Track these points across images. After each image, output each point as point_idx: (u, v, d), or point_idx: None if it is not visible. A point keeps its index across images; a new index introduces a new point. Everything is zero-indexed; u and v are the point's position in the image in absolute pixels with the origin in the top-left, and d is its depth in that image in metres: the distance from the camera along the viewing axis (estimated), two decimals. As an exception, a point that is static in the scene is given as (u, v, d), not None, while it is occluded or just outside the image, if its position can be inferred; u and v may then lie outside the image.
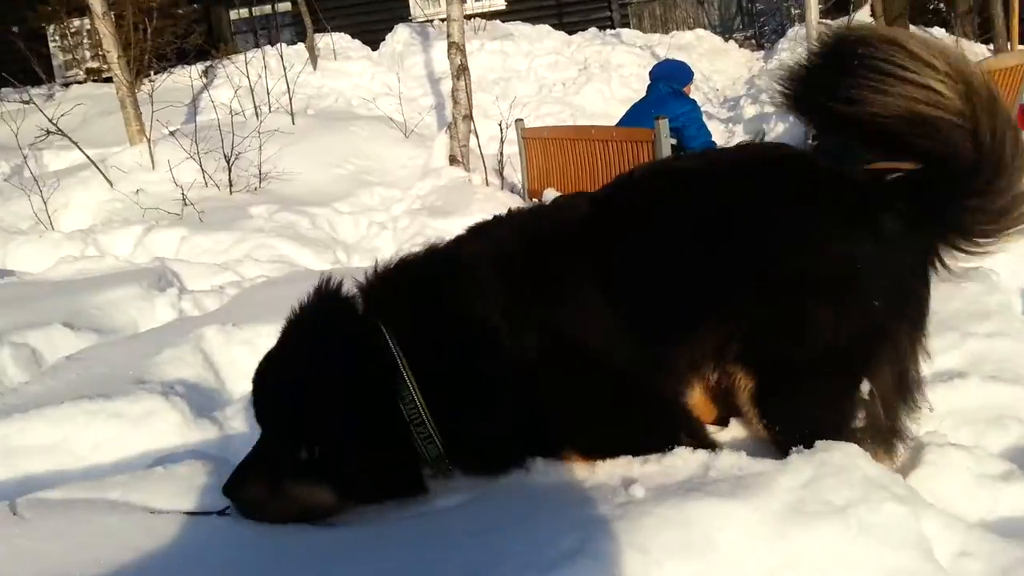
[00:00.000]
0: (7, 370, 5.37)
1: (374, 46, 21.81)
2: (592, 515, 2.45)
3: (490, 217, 3.19)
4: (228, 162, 12.07)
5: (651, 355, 2.88)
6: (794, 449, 2.72)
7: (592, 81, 19.17)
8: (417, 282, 2.95)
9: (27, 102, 15.25)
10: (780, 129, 14.58)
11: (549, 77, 19.95)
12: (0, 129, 17.74)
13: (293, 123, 14.65)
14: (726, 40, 24.98)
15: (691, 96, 10.53)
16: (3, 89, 18.81)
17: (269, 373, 2.87)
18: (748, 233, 2.84)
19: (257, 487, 2.76)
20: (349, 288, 2.94)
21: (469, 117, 12.58)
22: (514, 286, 2.84)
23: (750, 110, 17.25)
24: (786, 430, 2.86)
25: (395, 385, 2.76)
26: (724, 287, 2.85)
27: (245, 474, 2.81)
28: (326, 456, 2.72)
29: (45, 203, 11.95)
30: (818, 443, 2.68)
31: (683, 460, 2.81)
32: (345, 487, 2.78)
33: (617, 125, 10.68)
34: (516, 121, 11.88)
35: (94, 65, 23.86)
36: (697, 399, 3.25)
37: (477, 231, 3.10)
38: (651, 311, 2.87)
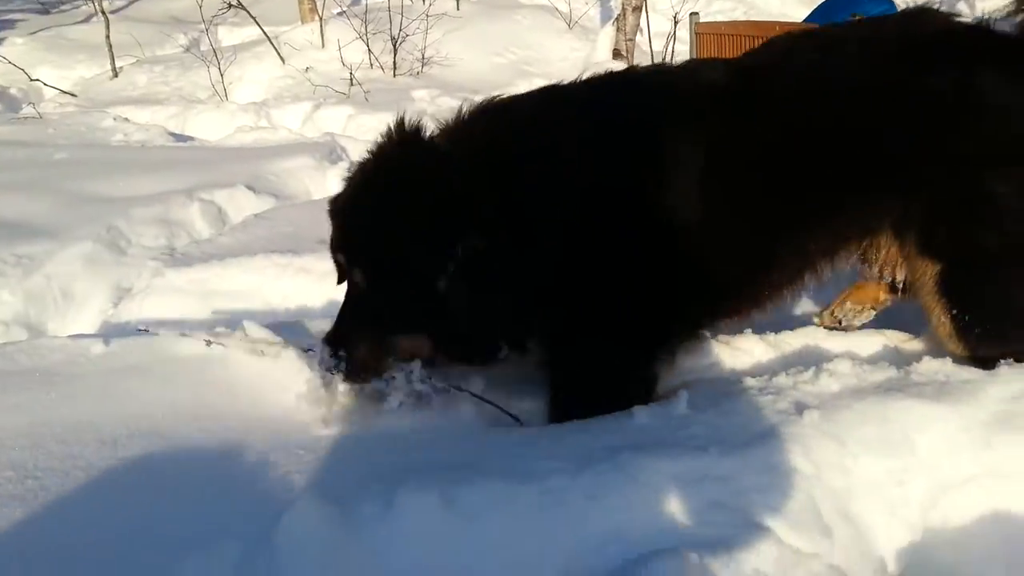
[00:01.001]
0: (195, 223, 5.76)
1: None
2: (787, 402, 2.39)
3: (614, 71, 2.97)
4: (394, 44, 12.17)
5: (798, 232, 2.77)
6: (1003, 361, 2.57)
7: (772, -22, 17.91)
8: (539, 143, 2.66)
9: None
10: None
11: (722, -28, 18.80)
12: (179, 4, 18.80)
13: (458, 8, 14.54)
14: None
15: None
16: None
17: (380, 213, 2.57)
18: (926, 104, 2.63)
19: (362, 345, 2.58)
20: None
21: (640, 8, 12.09)
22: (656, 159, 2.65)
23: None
24: (978, 318, 2.69)
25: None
26: (892, 163, 2.67)
27: (348, 331, 2.62)
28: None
29: (222, 75, 12.49)
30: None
31: (877, 361, 2.71)
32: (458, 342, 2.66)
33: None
34: (691, 15, 11.27)
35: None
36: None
37: (600, 89, 2.82)
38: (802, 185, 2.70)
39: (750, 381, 2.59)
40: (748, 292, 2.84)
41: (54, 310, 4.49)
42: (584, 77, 2.88)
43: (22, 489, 2.17)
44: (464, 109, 2.74)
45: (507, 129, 2.67)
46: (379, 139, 2.69)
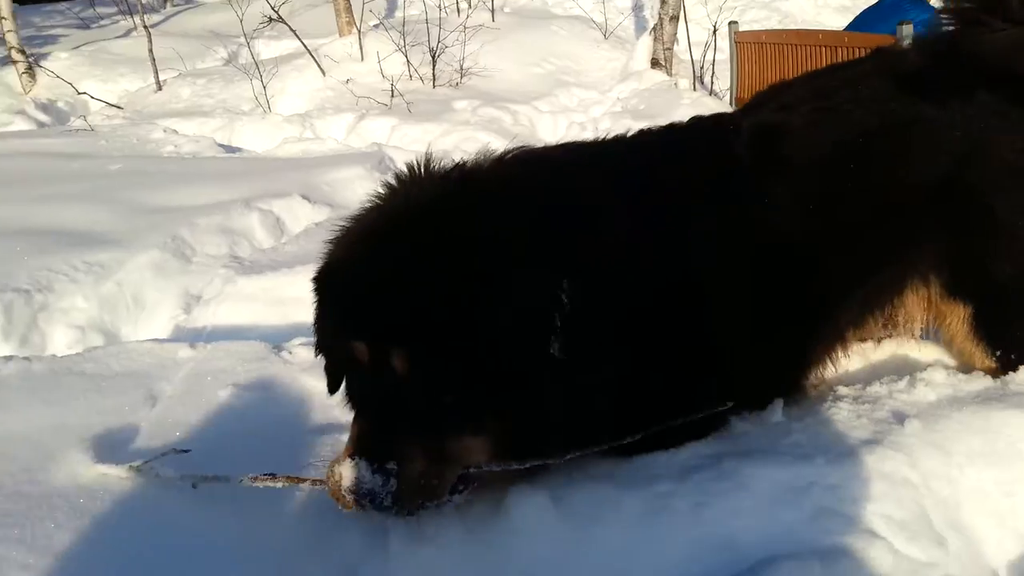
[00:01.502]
0: (255, 232, 5.84)
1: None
2: (884, 411, 2.38)
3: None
4: (433, 56, 12.28)
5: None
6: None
7: (804, -12, 17.86)
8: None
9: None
10: None
11: (757, -18, 18.78)
12: (215, 18, 19.09)
13: (493, 19, 14.64)
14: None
15: (931, 3, 9.59)
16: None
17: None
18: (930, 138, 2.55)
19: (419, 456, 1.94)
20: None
21: (677, 18, 12.11)
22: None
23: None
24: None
25: None
26: (910, 206, 2.54)
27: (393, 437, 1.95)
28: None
29: (264, 88, 12.66)
30: None
31: (969, 371, 2.69)
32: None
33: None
34: (730, 24, 11.27)
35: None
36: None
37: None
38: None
39: (843, 390, 2.59)
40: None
41: (126, 316, 4.58)
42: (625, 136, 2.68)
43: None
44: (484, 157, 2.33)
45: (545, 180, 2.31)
46: (396, 184, 2.23)
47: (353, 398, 2.16)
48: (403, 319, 1.94)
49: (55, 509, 2.11)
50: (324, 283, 2.19)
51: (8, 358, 3.22)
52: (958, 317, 2.64)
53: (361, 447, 1.93)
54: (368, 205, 2.24)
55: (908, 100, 2.62)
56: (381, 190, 2.25)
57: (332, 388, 2.29)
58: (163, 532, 2.04)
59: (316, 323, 2.27)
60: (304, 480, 2.09)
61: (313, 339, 2.32)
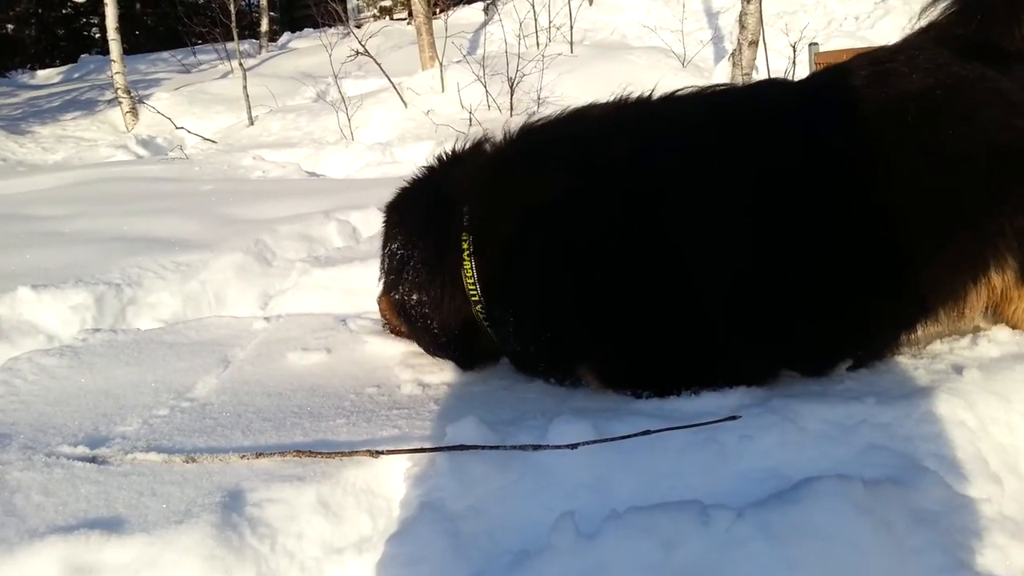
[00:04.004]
0: (332, 239, 6.05)
1: (651, -19, 21.42)
2: (944, 364, 2.33)
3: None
4: (511, 86, 12.53)
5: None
6: None
7: (890, 15, 17.53)
8: None
9: (341, 31, 16.73)
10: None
11: (840, 11, 18.52)
12: (306, 60, 19.97)
13: (572, 51, 14.88)
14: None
15: None
16: (305, 29, 20.88)
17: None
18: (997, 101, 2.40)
19: None
20: None
21: (756, 43, 12.05)
22: None
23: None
24: None
25: None
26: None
27: None
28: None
29: (349, 120, 13.14)
30: None
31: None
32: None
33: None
34: (810, 46, 11.16)
35: (386, 4, 25.72)
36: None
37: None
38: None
39: (903, 348, 2.53)
40: None
41: (208, 312, 4.79)
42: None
43: (202, 425, 2.34)
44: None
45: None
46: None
47: None
48: None
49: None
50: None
51: (96, 330, 3.45)
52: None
53: None
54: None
55: (969, 64, 2.57)
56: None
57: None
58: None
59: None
60: None
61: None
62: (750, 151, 2.39)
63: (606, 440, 1.91)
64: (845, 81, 2.59)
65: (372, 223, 6.44)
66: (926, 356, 2.42)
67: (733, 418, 1.97)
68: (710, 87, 2.68)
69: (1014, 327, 2.57)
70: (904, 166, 2.37)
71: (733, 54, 12.67)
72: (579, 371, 2.46)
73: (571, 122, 2.74)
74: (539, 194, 2.47)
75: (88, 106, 18.45)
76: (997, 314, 2.57)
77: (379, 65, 13.65)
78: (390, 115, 13.37)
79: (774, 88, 2.90)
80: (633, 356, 2.37)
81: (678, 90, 2.66)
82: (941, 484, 1.85)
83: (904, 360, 2.40)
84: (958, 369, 2.26)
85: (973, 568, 1.70)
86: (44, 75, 24.13)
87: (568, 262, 2.37)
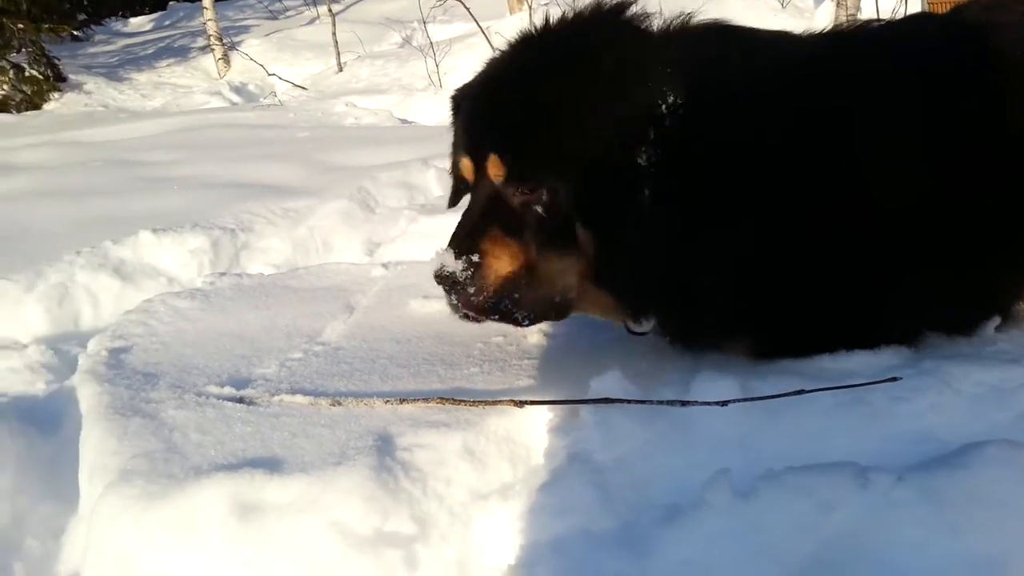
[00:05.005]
0: (432, 187, 6.11)
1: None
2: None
3: None
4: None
5: None
6: None
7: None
8: None
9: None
10: None
11: (948, -53, 17.54)
12: (391, 5, 19.96)
13: (664, -6, 14.47)
14: None
15: None
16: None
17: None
18: None
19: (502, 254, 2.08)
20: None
21: (861, -16, 11.45)
22: None
23: None
24: None
25: None
26: None
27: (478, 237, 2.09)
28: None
29: (437, 66, 13.11)
30: None
31: None
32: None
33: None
34: (921, -13, 10.57)
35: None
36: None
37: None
38: None
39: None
40: None
41: (316, 258, 4.91)
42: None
43: (338, 369, 2.41)
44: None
45: None
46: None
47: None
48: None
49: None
50: (456, 102, 2.53)
51: (222, 273, 3.56)
52: None
53: (451, 241, 2.14)
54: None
55: None
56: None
57: (451, 202, 2.62)
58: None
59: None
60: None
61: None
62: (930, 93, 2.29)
63: (757, 399, 1.89)
64: (998, 19, 2.45)
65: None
66: (1085, 319, 2.31)
67: (893, 379, 1.92)
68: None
69: None
70: None
71: (837, -5, 12.06)
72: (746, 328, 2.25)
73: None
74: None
75: (181, 53, 18.90)
76: None
77: (467, 8, 13.51)
78: (478, 60, 13.17)
79: (931, 23, 2.73)
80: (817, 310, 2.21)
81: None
82: (1111, 454, 1.77)
83: (1061, 322, 2.30)
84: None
85: None
86: (136, 23, 24.77)
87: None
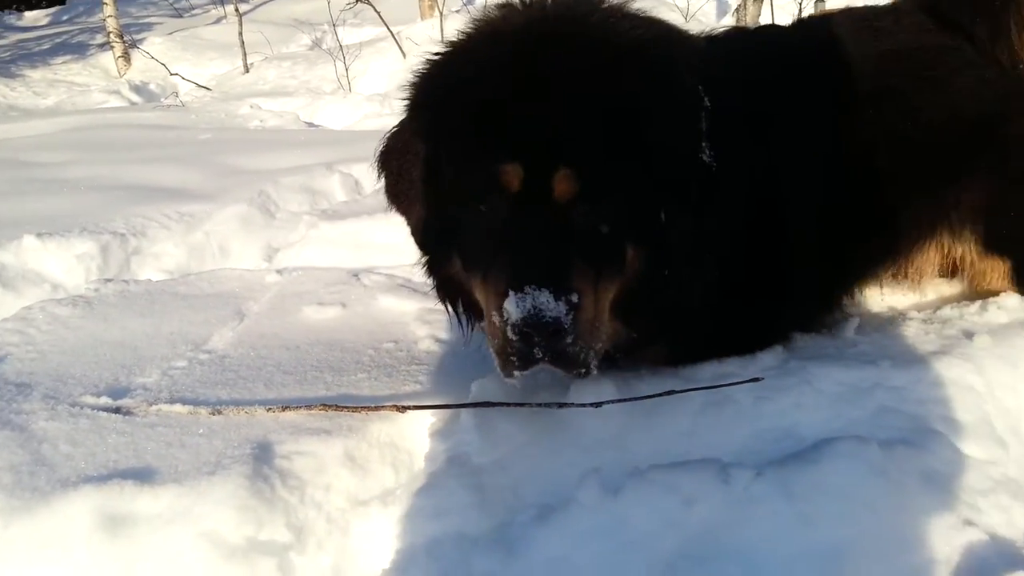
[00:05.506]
0: (335, 192, 6.04)
1: (654, -69, 21.08)
2: (954, 330, 2.38)
3: None
4: (511, 37, 12.38)
5: None
6: None
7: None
8: None
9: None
10: None
11: (843, -34, 18.38)
12: (302, 7, 19.65)
13: (572, 4, 14.68)
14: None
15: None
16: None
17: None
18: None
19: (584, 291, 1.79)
20: None
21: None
22: None
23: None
24: None
25: None
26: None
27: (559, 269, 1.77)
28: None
29: (347, 69, 12.97)
30: None
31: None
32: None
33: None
34: (816, 2, 11.04)
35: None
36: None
37: None
38: None
39: (913, 313, 2.59)
40: None
41: (212, 263, 4.79)
42: None
43: (222, 377, 2.38)
44: None
45: None
46: None
47: (478, 244, 1.91)
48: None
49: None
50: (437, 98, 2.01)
51: (107, 280, 3.46)
52: (999, 273, 2.58)
53: (526, 278, 1.71)
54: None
55: (948, 34, 2.56)
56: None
57: (425, 243, 2.16)
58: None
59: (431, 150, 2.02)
60: None
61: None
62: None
63: (629, 400, 1.96)
64: (839, 32, 2.61)
65: (374, 176, 6.44)
66: (937, 321, 2.47)
67: (756, 380, 2.02)
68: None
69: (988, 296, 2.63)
70: (887, 124, 2.43)
71: (738, 9, 12.50)
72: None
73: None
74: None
75: (79, 50, 18.15)
76: (972, 286, 2.68)
77: (378, 13, 13.44)
78: (388, 65, 13.19)
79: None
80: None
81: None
82: (950, 446, 1.91)
83: (916, 325, 2.45)
84: (968, 334, 2.30)
85: (979, 528, 1.76)
86: (32, 16, 23.67)
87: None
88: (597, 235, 1.84)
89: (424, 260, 2.22)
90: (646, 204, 1.90)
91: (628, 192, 1.86)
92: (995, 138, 2.45)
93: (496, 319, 1.75)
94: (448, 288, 2.18)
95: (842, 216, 2.37)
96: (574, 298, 1.73)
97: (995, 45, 2.45)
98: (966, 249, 2.54)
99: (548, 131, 1.81)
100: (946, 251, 2.56)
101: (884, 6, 2.81)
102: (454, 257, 2.03)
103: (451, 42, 2.15)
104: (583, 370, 1.82)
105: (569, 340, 1.72)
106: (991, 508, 1.83)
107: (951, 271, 2.72)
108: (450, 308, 2.21)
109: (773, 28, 3.04)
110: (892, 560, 1.67)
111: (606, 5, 2.11)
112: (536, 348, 1.73)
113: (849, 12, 2.83)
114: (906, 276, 2.66)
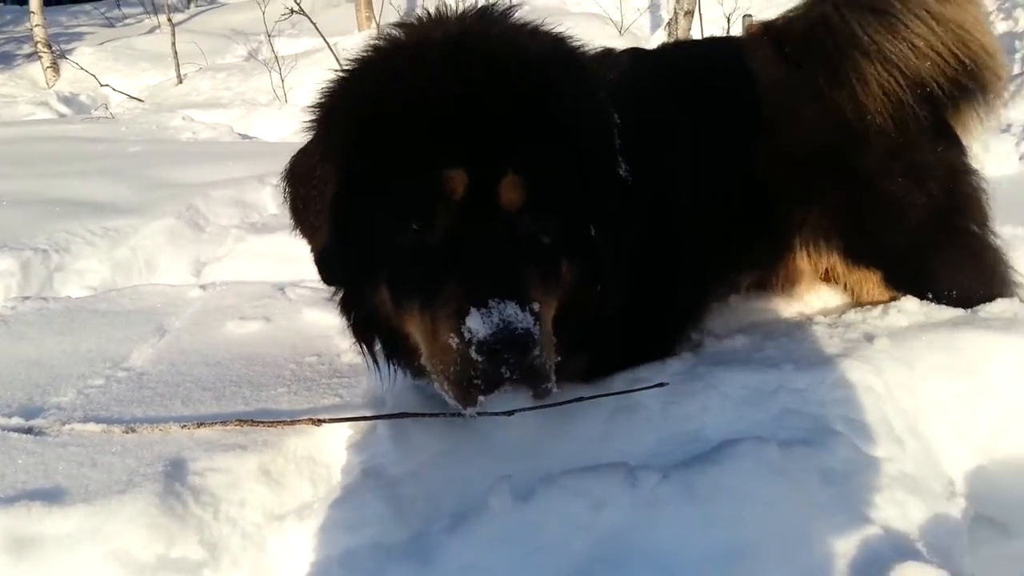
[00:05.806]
0: (267, 205, 5.98)
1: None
2: (857, 333, 2.47)
3: None
4: (448, 49, 12.43)
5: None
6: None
7: (820, -14, 17.90)
8: None
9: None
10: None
11: (772, -20, 18.88)
12: (237, 17, 19.42)
13: (509, 16, 14.81)
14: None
15: None
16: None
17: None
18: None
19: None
20: None
21: (691, 13, 12.13)
22: None
23: None
24: (939, 293, 2.66)
25: None
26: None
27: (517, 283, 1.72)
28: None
29: (283, 80, 12.87)
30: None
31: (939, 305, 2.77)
32: None
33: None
34: (744, 17, 11.32)
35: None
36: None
37: None
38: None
39: (820, 318, 2.69)
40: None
41: (138, 279, 4.71)
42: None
43: (139, 395, 2.36)
44: None
45: None
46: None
47: (413, 268, 1.80)
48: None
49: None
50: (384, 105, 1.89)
51: (25, 298, 3.39)
52: (872, 283, 2.75)
53: (488, 291, 1.63)
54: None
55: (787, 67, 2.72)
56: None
57: (333, 275, 2.06)
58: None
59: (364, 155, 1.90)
60: None
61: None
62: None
63: (540, 407, 2.00)
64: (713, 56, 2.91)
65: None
66: (841, 325, 2.57)
67: (661, 385, 2.08)
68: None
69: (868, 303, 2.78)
70: (753, 145, 2.63)
71: (669, 23, 12.75)
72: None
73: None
74: None
75: (5, 60, 17.61)
76: (854, 296, 2.84)
77: (314, 24, 13.32)
78: (325, 76, 13.04)
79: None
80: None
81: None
82: (849, 445, 1.99)
83: (821, 329, 2.55)
84: (869, 337, 2.41)
85: (875, 523, 1.84)
86: (-45, 25, 22.91)
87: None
88: (540, 247, 1.82)
89: (340, 295, 2.08)
90: (579, 217, 1.90)
91: (566, 204, 1.85)
92: (843, 166, 2.63)
93: (454, 342, 1.65)
94: (369, 325, 2.03)
95: (719, 228, 2.53)
96: (536, 308, 1.69)
97: (833, 92, 2.62)
98: (835, 261, 2.74)
99: (492, 138, 1.78)
100: (814, 263, 2.77)
101: (741, 37, 3.03)
102: (380, 287, 1.90)
103: (360, 58, 2.12)
104: (548, 384, 1.76)
105: (536, 353, 1.67)
106: (886, 503, 1.91)
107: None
108: (366, 350, 2.08)
109: (659, 50, 3.23)
110: (792, 557, 1.73)
111: (519, 21, 2.15)
112: (504, 367, 1.66)
113: (716, 40, 3.09)
114: (777, 285, 2.90)
